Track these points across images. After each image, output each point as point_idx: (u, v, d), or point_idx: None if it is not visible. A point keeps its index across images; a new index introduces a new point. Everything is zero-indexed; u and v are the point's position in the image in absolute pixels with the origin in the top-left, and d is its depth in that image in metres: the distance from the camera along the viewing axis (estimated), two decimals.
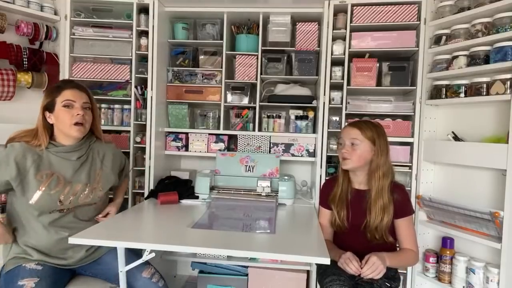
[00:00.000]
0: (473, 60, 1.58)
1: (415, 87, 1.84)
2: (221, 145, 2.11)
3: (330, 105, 1.91)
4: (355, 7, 1.86)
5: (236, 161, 2.00)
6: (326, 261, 1.09)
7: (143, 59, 2.01)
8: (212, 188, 1.86)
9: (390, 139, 1.51)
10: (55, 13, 1.95)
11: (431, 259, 1.75)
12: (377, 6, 1.84)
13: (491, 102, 1.55)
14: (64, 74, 1.95)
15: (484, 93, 1.53)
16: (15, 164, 1.29)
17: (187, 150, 2.14)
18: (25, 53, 1.82)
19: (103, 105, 2.03)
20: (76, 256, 1.40)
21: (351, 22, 1.87)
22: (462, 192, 1.69)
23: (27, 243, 1.35)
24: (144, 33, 1.98)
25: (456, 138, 1.72)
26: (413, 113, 1.86)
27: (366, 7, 1.85)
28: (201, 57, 2.13)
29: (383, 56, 1.90)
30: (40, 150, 1.36)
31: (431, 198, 1.73)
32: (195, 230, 1.36)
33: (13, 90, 1.76)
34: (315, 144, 2.03)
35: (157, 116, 1.99)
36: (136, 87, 1.99)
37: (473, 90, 1.57)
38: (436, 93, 1.75)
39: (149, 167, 1.98)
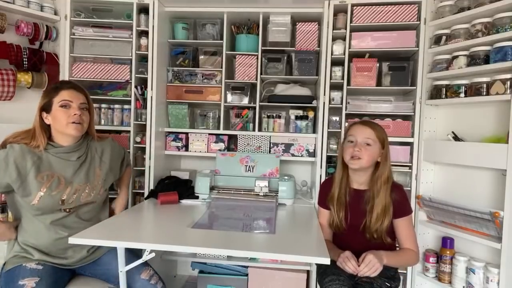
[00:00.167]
0: (473, 60, 1.58)
1: (415, 87, 1.84)
2: (221, 145, 2.11)
3: (330, 105, 1.91)
4: (355, 7, 1.86)
5: (236, 161, 2.00)
6: (326, 261, 1.09)
7: (143, 59, 2.01)
8: (212, 188, 1.86)
9: (390, 139, 1.50)
10: (55, 13, 1.95)
11: (431, 259, 1.75)
12: (377, 6, 1.84)
13: (491, 102, 1.55)
14: (64, 74, 1.96)
15: (484, 93, 1.53)
16: (15, 166, 1.29)
17: (187, 150, 2.14)
18: (25, 53, 1.82)
19: (103, 105, 2.03)
20: (76, 256, 1.40)
21: (351, 22, 1.87)
22: (462, 192, 1.69)
23: (27, 242, 1.35)
24: (144, 33, 1.99)
25: (456, 138, 1.72)
26: (413, 113, 1.86)
27: (366, 7, 1.85)
28: (201, 57, 2.13)
29: (383, 56, 1.90)
30: (39, 151, 1.36)
31: (431, 198, 1.73)
32: (195, 230, 1.36)
33: (13, 90, 1.76)
34: (315, 144, 2.03)
35: (157, 116, 1.99)
36: (136, 87, 1.99)
37: (473, 90, 1.57)
38: (436, 93, 1.75)
39: (149, 167, 1.98)
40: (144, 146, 1.99)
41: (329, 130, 1.91)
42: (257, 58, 2.04)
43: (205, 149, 2.12)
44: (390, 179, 1.45)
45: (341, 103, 1.90)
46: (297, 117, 2.07)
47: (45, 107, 1.37)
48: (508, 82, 1.43)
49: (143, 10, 1.97)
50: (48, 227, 1.35)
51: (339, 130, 1.91)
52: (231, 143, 2.17)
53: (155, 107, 1.97)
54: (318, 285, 1.54)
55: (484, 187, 1.61)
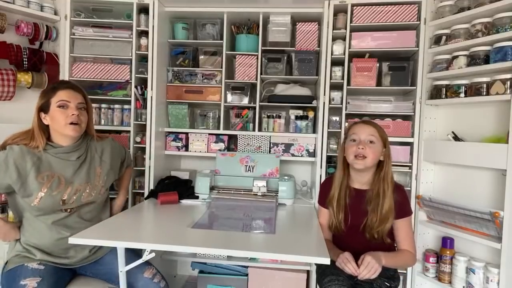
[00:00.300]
0: (473, 60, 1.58)
1: (415, 87, 1.84)
2: (221, 145, 2.11)
3: (330, 105, 1.91)
4: (355, 7, 1.86)
5: (236, 161, 2.00)
6: (326, 261, 1.09)
7: (143, 59, 2.01)
8: (212, 188, 1.86)
9: (390, 139, 1.50)
10: (55, 13, 1.95)
11: (431, 259, 1.75)
12: (377, 6, 1.84)
13: (491, 102, 1.55)
14: (64, 74, 1.96)
15: (484, 93, 1.53)
16: (15, 167, 1.29)
17: (187, 150, 2.14)
18: (25, 53, 1.82)
19: (103, 105, 2.03)
20: (78, 256, 1.40)
21: (351, 22, 1.87)
22: (462, 192, 1.69)
23: (30, 242, 1.35)
24: (144, 33, 1.99)
25: (456, 138, 1.72)
26: (413, 113, 1.86)
27: (366, 7, 1.85)
28: (201, 57, 2.13)
29: (383, 56, 1.90)
30: (38, 152, 1.35)
31: (431, 198, 1.73)
32: (195, 230, 1.36)
33: (13, 90, 1.76)
34: (315, 144, 2.03)
35: (157, 116, 1.99)
36: (136, 87, 1.99)
37: (473, 90, 1.57)
38: (436, 93, 1.75)
39: (149, 167, 1.98)
40: (144, 146, 1.99)
41: (329, 130, 1.91)
42: (257, 58, 2.04)
43: (205, 149, 2.12)
44: (393, 179, 1.44)
45: (341, 103, 1.90)
46: (297, 117, 2.07)
47: (43, 108, 1.37)
48: (508, 82, 1.43)
49: (143, 10, 1.97)
50: (50, 227, 1.36)
51: (339, 130, 1.91)
52: (231, 143, 2.17)
53: (155, 107, 1.97)
54: (318, 285, 1.54)
55: (484, 187, 1.61)
